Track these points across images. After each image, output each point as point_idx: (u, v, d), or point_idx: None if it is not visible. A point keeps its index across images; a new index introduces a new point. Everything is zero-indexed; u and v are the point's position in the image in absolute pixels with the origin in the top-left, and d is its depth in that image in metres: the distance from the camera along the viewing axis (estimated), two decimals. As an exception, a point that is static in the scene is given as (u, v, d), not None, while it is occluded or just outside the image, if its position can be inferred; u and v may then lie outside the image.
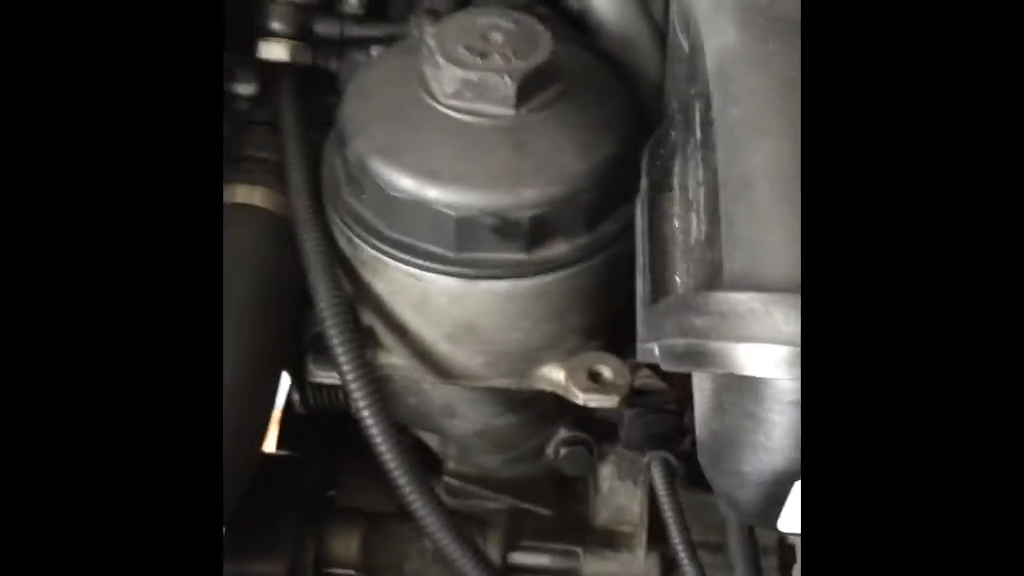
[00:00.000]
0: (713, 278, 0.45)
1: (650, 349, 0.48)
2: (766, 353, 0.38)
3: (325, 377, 0.68)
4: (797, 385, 0.39)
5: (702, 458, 0.46)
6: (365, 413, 0.61)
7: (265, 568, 0.74)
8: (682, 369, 0.43)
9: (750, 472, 0.42)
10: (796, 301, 0.38)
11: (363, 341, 0.65)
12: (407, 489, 0.61)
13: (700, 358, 0.40)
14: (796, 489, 0.42)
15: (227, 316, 0.64)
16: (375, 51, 0.75)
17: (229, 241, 0.67)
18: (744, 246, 0.43)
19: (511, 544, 0.80)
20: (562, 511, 0.81)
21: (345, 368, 0.61)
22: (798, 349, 0.38)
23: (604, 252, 0.64)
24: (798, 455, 0.40)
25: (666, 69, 0.66)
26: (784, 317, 0.38)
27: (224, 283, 0.65)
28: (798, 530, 0.44)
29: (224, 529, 0.74)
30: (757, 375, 0.39)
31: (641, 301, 0.54)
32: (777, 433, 0.40)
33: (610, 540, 0.81)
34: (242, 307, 0.66)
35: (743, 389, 0.41)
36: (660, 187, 0.59)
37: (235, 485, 0.65)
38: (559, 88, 0.62)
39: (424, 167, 0.60)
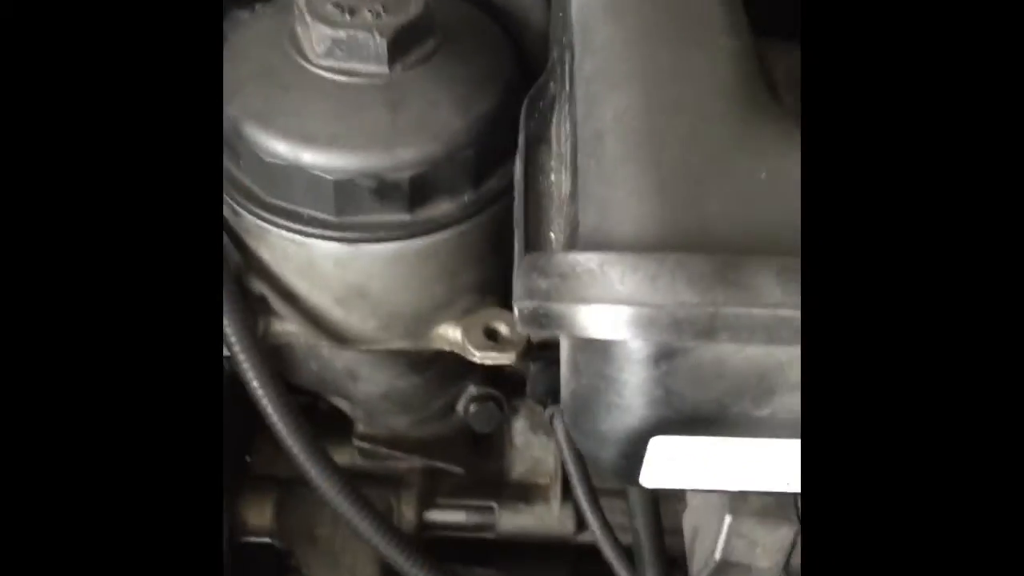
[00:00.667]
0: (572, 236, 0.45)
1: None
2: (604, 314, 0.37)
3: (217, 347, 0.67)
4: (642, 344, 0.39)
5: (566, 418, 0.46)
6: (254, 384, 0.60)
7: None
8: (533, 331, 0.42)
9: (607, 431, 0.42)
10: (634, 260, 0.38)
11: (253, 310, 0.64)
12: (301, 456, 0.60)
13: (545, 321, 0.40)
14: (653, 446, 0.42)
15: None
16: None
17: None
18: (595, 203, 0.42)
19: (426, 503, 0.80)
20: (477, 467, 0.81)
21: (232, 339, 0.60)
22: (636, 308, 0.37)
23: (490, 209, 0.63)
24: (651, 413, 0.40)
25: (550, 18, 0.65)
26: (620, 276, 0.37)
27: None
28: (662, 485, 0.44)
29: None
30: (598, 337, 0.38)
31: (518, 256, 0.53)
32: (628, 392, 0.40)
33: (525, 493, 0.81)
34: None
35: (592, 350, 0.40)
36: (538, 140, 0.58)
37: None
38: (434, 43, 0.61)
39: (298, 131, 0.59)
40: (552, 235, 0.53)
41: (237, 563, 0.77)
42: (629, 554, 0.66)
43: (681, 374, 0.39)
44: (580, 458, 0.68)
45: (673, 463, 0.43)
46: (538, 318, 0.40)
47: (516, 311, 0.44)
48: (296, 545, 0.75)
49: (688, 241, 0.39)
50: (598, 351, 0.40)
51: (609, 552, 0.66)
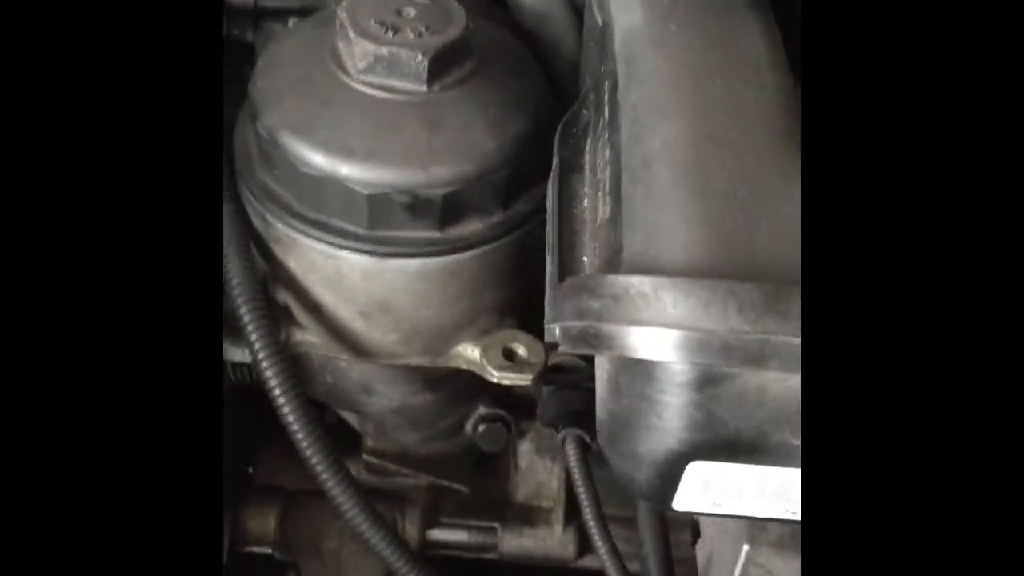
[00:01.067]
0: (614, 259, 0.45)
1: (553, 330, 0.48)
2: (655, 336, 0.38)
3: (238, 355, 0.67)
4: (688, 367, 0.40)
5: (601, 438, 0.47)
6: (276, 392, 0.60)
7: (178, 546, 0.73)
8: (579, 351, 0.43)
9: (645, 453, 0.42)
10: (687, 285, 0.38)
11: (276, 319, 0.65)
12: (319, 468, 0.61)
13: (594, 341, 0.40)
14: (690, 470, 0.42)
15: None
16: (292, 23, 0.74)
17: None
18: (642, 228, 0.43)
19: (430, 521, 0.80)
20: (481, 488, 0.81)
21: (256, 346, 0.60)
22: (687, 333, 0.38)
23: (518, 231, 0.64)
24: (690, 436, 0.41)
25: (582, 46, 0.66)
26: (673, 300, 0.38)
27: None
28: (693, 510, 0.44)
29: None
30: (647, 358, 0.39)
31: (549, 281, 0.54)
32: (669, 415, 0.41)
33: (528, 516, 0.81)
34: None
35: (636, 371, 0.41)
36: (571, 166, 0.59)
37: None
38: (472, 64, 0.62)
39: (336, 144, 0.59)
40: (585, 259, 0.54)
41: (236, 572, 0.76)
42: (635, 581, 0.66)
43: (724, 399, 0.40)
44: (591, 482, 0.68)
45: (707, 488, 0.43)
46: (587, 337, 0.40)
47: (559, 330, 0.45)
48: (301, 558, 0.75)
49: (736, 270, 0.40)
50: (642, 373, 0.41)
51: (615, 576, 0.67)
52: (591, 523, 0.68)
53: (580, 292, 0.42)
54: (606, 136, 0.53)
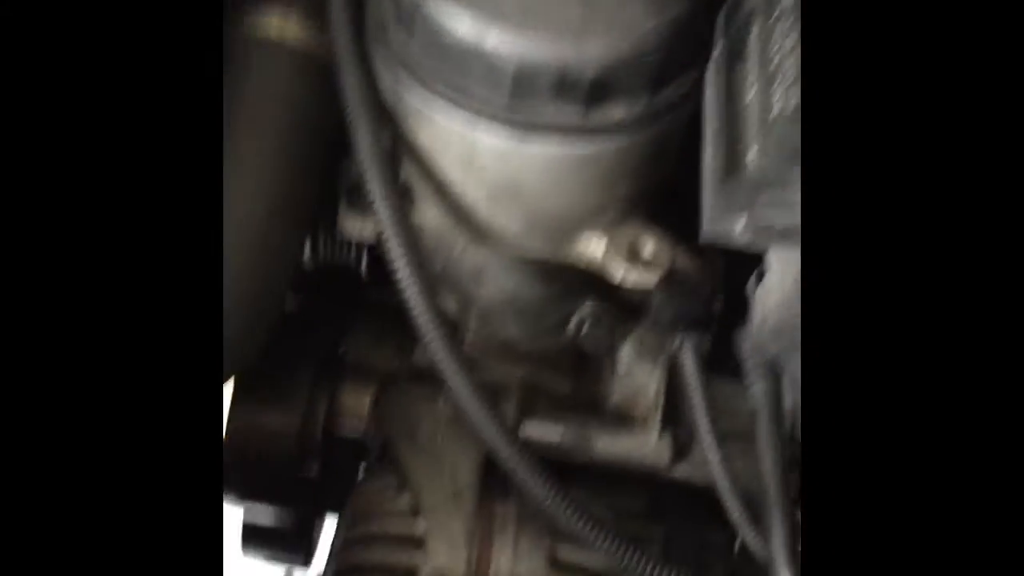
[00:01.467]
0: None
1: (727, 226, 0.45)
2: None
3: (357, 229, 0.64)
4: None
5: (777, 341, 0.44)
6: (401, 267, 0.58)
7: (277, 420, 0.72)
8: (781, 246, 0.40)
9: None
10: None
11: (403, 195, 0.62)
12: (437, 346, 0.58)
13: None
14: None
15: (253, 163, 0.62)
16: None
17: (257, 81, 0.63)
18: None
19: (524, 416, 0.78)
20: (577, 388, 0.79)
21: (384, 220, 0.58)
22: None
23: (661, 120, 0.60)
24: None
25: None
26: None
27: (252, 128, 0.62)
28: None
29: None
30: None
31: (713, 174, 0.51)
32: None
33: (623, 419, 0.79)
34: (270, 154, 0.63)
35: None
36: (736, 55, 0.55)
37: (255, 340, 0.63)
38: (634, -66, 0.58)
39: (484, 10, 0.55)
40: (751, 154, 0.51)
41: (330, 454, 0.76)
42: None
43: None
44: (707, 391, 0.67)
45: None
46: (794, 233, 0.37)
47: (746, 224, 0.42)
48: (397, 439, 0.74)
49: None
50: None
51: (726, 491, 0.65)
52: (704, 431, 0.66)
53: (784, 186, 0.38)
54: (786, 22, 0.49)
